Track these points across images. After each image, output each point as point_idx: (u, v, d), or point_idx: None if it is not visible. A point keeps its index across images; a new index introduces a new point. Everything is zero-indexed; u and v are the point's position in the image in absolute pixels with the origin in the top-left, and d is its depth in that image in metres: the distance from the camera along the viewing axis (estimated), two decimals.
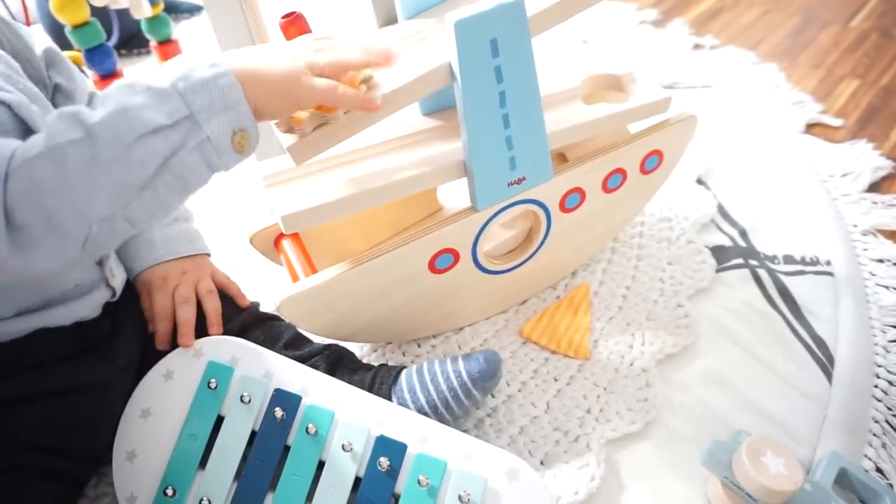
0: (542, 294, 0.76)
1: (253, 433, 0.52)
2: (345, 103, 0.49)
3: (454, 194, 0.73)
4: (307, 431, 0.51)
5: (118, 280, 0.58)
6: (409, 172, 0.58)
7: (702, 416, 0.63)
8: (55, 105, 0.56)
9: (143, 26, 1.13)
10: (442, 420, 0.57)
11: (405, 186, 0.58)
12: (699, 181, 0.92)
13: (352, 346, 0.68)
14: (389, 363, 0.66)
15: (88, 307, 0.54)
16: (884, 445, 0.61)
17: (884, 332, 0.71)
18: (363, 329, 0.66)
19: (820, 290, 0.75)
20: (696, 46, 1.27)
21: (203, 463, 0.51)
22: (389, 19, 0.62)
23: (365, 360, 0.65)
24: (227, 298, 0.62)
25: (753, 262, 0.79)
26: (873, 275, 0.78)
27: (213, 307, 0.60)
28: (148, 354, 0.58)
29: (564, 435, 0.62)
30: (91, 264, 0.55)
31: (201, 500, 0.49)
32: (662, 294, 0.75)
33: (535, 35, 0.56)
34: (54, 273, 0.47)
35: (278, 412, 0.52)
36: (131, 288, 0.61)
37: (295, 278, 0.62)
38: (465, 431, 0.60)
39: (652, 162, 0.71)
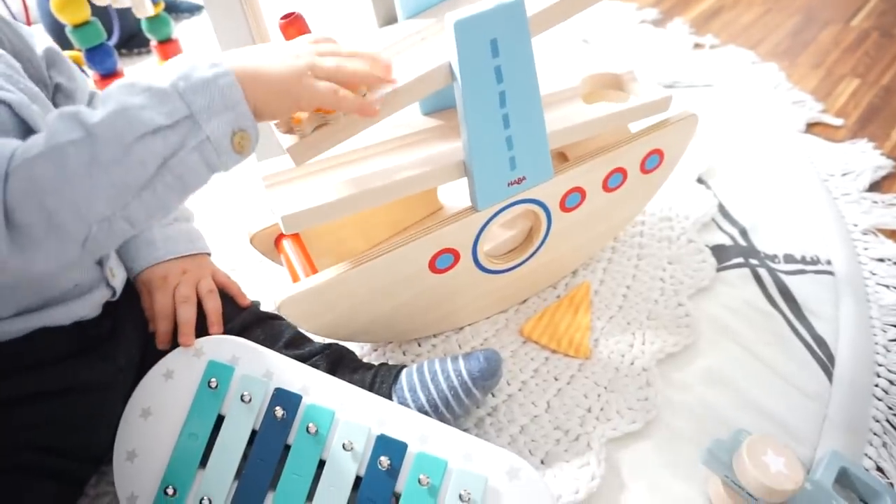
0: (543, 293, 0.76)
1: (253, 432, 0.52)
2: (344, 107, 0.49)
3: (454, 194, 0.73)
4: (308, 431, 0.51)
5: (118, 280, 0.58)
6: (409, 172, 0.58)
7: (702, 415, 0.63)
8: (56, 105, 0.56)
9: (144, 26, 1.13)
10: (442, 419, 0.57)
11: (405, 186, 0.58)
12: (700, 180, 0.92)
13: (352, 346, 0.68)
14: (390, 362, 0.66)
15: (88, 307, 0.54)
16: (884, 444, 0.61)
17: (884, 331, 0.71)
18: (363, 329, 0.66)
19: (820, 290, 0.75)
20: (697, 46, 1.27)
21: (203, 462, 0.51)
22: (389, 19, 0.62)
23: (365, 360, 0.65)
24: (228, 298, 0.62)
25: (754, 262, 0.79)
26: (874, 274, 0.78)
27: (214, 306, 0.60)
28: (148, 354, 0.58)
29: (565, 434, 0.62)
30: (91, 264, 0.55)
31: (202, 499, 0.49)
32: (663, 293, 0.75)
33: (535, 35, 0.56)
34: (54, 273, 0.47)
35: (279, 411, 0.52)
36: (131, 287, 0.61)
37: (295, 278, 0.62)
38: (465, 430, 0.60)
39: (652, 161, 0.71)
